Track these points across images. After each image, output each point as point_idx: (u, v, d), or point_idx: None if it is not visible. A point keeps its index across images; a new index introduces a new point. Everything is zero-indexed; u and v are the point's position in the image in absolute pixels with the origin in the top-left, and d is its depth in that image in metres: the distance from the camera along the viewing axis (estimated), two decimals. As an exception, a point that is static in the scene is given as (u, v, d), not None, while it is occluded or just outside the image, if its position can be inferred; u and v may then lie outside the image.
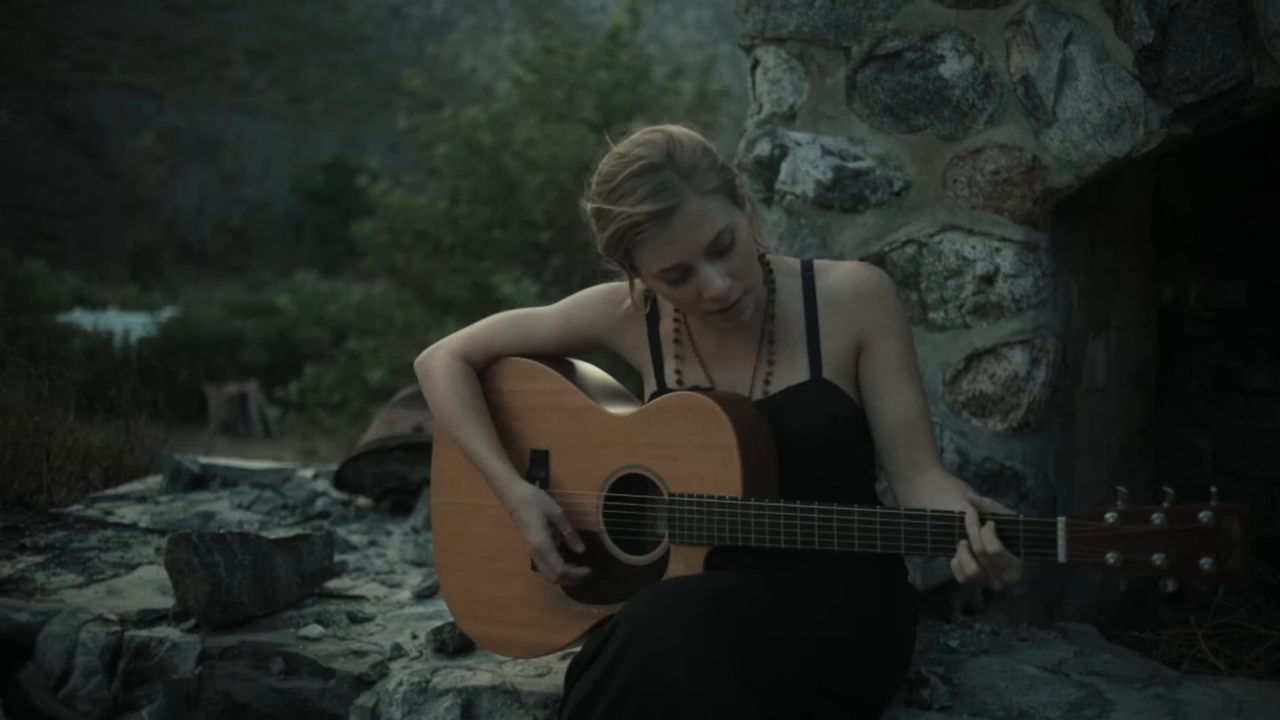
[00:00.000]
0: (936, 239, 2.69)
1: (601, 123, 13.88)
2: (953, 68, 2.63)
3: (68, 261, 32.33)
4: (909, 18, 2.66)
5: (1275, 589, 2.94)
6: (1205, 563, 1.67)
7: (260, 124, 47.29)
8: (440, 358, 2.31)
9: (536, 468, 2.25)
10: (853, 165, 2.74)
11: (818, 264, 2.17)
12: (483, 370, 2.32)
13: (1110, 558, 1.71)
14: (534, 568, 2.23)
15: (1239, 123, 2.52)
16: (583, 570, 2.15)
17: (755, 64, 2.86)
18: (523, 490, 2.17)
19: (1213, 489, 1.69)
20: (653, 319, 2.24)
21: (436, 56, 52.55)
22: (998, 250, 2.63)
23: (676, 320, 2.21)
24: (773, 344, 2.14)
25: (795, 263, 2.18)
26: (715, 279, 1.98)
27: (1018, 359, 2.63)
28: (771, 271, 2.17)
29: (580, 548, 2.15)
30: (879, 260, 2.74)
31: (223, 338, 23.17)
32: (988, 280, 2.64)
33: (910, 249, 2.72)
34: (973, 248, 2.65)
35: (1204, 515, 1.67)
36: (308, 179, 43.24)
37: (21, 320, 19.77)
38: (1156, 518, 1.69)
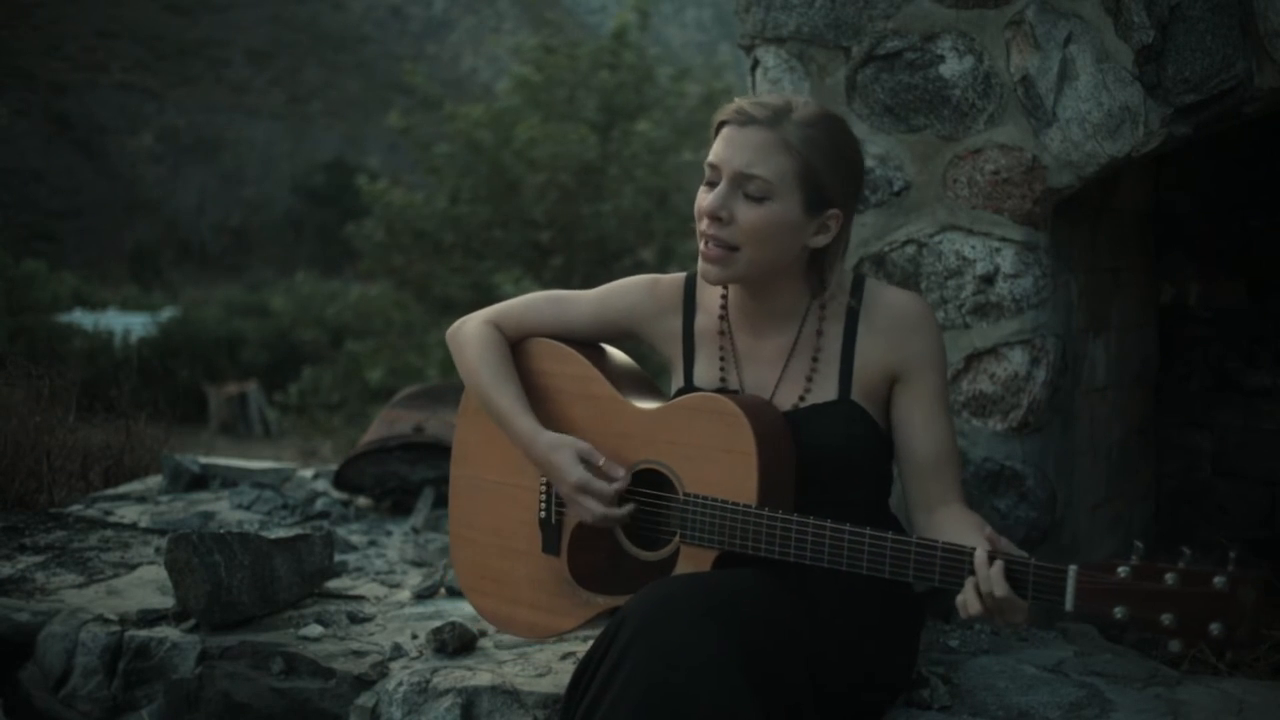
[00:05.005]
0: (936, 239, 2.69)
1: (605, 123, 13.89)
2: (953, 68, 2.63)
3: (67, 261, 32.29)
4: (909, 18, 2.66)
5: (1275, 589, 2.94)
6: (1214, 628, 1.64)
7: (260, 124, 47.27)
8: (473, 325, 2.33)
9: None
10: (853, 165, 2.73)
11: (869, 283, 2.17)
12: (512, 347, 2.33)
13: (1118, 612, 1.69)
14: (548, 547, 2.23)
15: (1239, 122, 2.52)
16: (629, 506, 2.12)
17: (755, 64, 2.86)
18: (550, 437, 2.17)
19: (1232, 554, 1.67)
20: (689, 314, 2.25)
21: (436, 56, 52.52)
22: (998, 250, 2.63)
23: (722, 313, 2.21)
24: (812, 359, 2.13)
25: (848, 278, 2.17)
26: (714, 198, 2.04)
27: (1018, 359, 2.63)
28: (825, 287, 2.15)
29: (620, 472, 2.12)
30: (879, 260, 2.74)
31: (223, 338, 23.15)
32: (988, 280, 2.64)
33: (910, 249, 2.72)
34: (973, 248, 2.65)
35: (1218, 581, 1.64)
36: (308, 179, 43.19)
37: (21, 320, 19.74)
38: (1169, 577, 1.67)
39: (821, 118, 2.07)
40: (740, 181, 2.03)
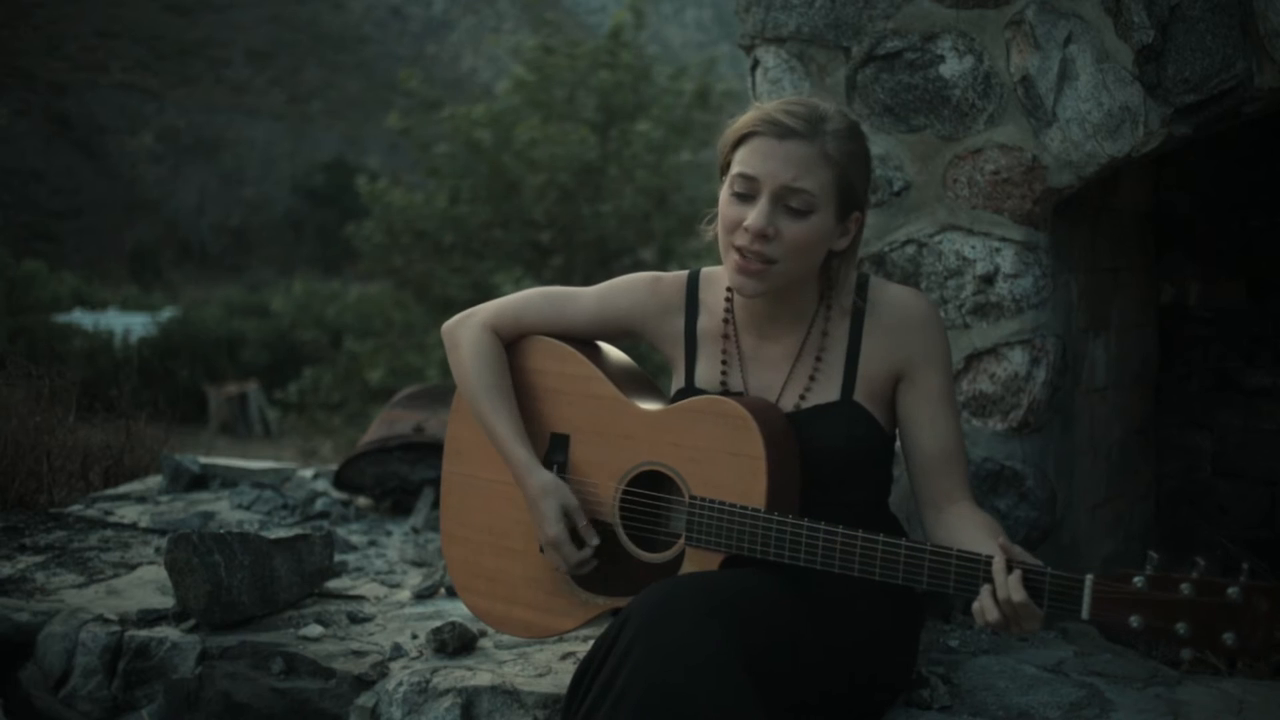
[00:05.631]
0: (936, 239, 2.69)
1: (603, 123, 13.90)
2: (953, 68, 2.63)
3: (67, 261, 32.31)
4: (909, 18, 2.66)
5: None
6: (1228, 638, 1.66)
7: (260, 124, 47.27)
8: (470, 328, 2.30)
9: (555, 451, 2.25)
10: (853, 165, 2.73)
11: (873, 282, 2.16)
12: (511, 345, 2.31)
13: (1134, 621, 1.71)
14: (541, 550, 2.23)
15: (1239, 122, 2.52)
16: (592, 564, 2.16)
17: (755, 64, 2.86)
18: (542, 478, 2.17)
19: (1245, 565, 1.69)
20: (691, 314, 2.23)
21: (436, 56, 52.53)
22: (998, 250, 2.63)
23: (727, 316, 2.20)
24: (815, 358, 2.13)
25: (853, 278, 2.16)
26: (759, 215, 1.99)
27: (1018, 359, 2.63)
28: (833, 288, 2.14)
29: (595, 541, 2.14)
30: (879, 260, 2.74)
31: (223, 338, 23.14)
32: (988, 280, 2.64)
33: (910, 249, 2.72)
34: (973, 248, 2.65)
35: (1232, 591, 1.66)
36: (308, 179, 43.20)
37: (21, 320, 19.75)
38: (1185, 587, 1.69)
39: (851, 127, 2.07)
40: (783, 195, 2.00)
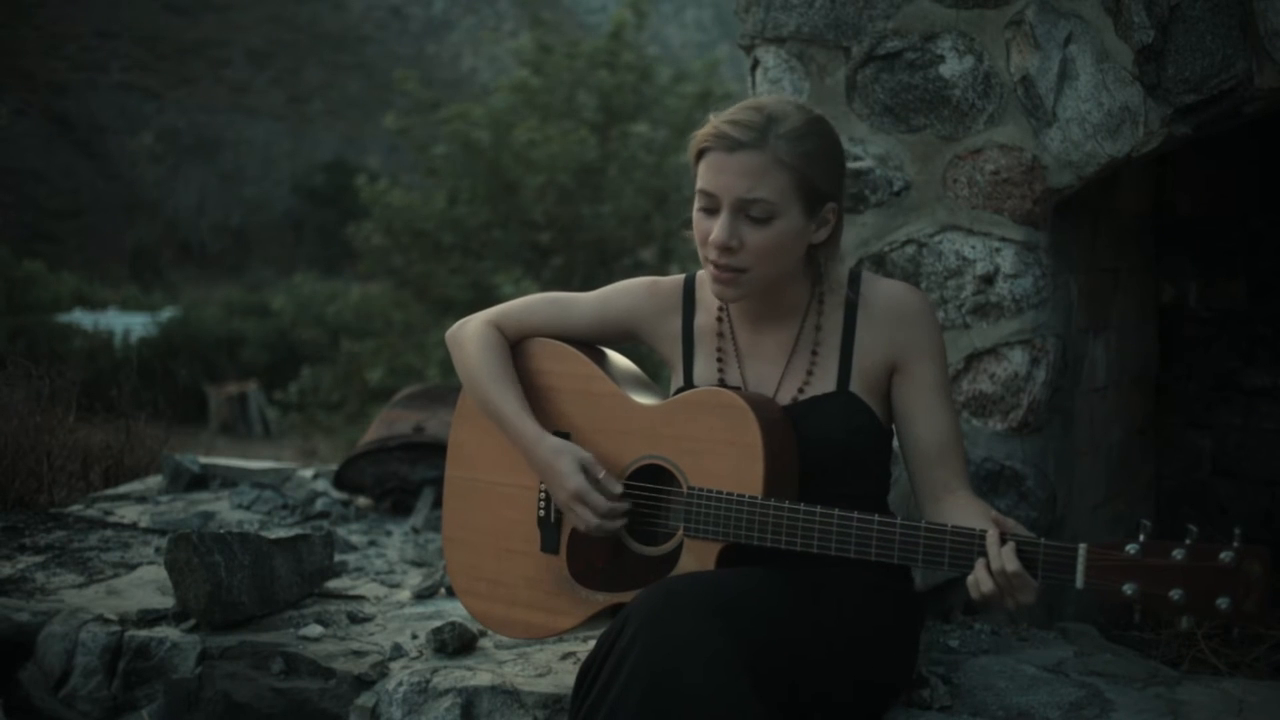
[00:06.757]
0: (936, 239, 2.69)
1: (603, 123, 13.89)
2: (953, 68, 2.63)
3: (68, 261, 32.29)
4: (909, 18, 2.66)
5: (1275, 590, 2.93)
6: (1222, 602, 1.67)
7: (260, 124, 47.25)
8: (474, 326, 2.33)
9: None
10: (852, 165, 2.74)
11: (865, 276, 2.18)
12: (513, 348, 2.33)
13: (1128, 589, 1.72)
14: (547, 546, 2.23)
15: (1239, 123, 2.52)
16: (622, 515, 2.12)
17: (755, 64, 2.87)
18: (552, 442, 2.17)
19: (1237, 530, 1.70)
20: (688, 313, 2.26)
21: (436, 56, 52.53)
22: (998, 250, 2.64)
23: (721, 313, 2.22)
24: (811, 351, 2.15)
25: (846, 272, 2.18)
26: (721, 229, 2.02)
27: (1018, 359, 2.63)
28: (823, 280, 2.16)
29: (618, 489, 2.13)
30: (879, 260, 2.75)
31: (223, 338, 23.15)
32: (988, 280, 2.64)
33: (910, 249, 2.72)
34: (973, 248, 2.66)
35: (1225, 555, 1.67)
36: (308, 179, 43.18)
37: (21, 320, 19.75)
38: (1177, 553, 1.70)
39: (806, 125, 2.05)
40: (743, 206, 2.02)
